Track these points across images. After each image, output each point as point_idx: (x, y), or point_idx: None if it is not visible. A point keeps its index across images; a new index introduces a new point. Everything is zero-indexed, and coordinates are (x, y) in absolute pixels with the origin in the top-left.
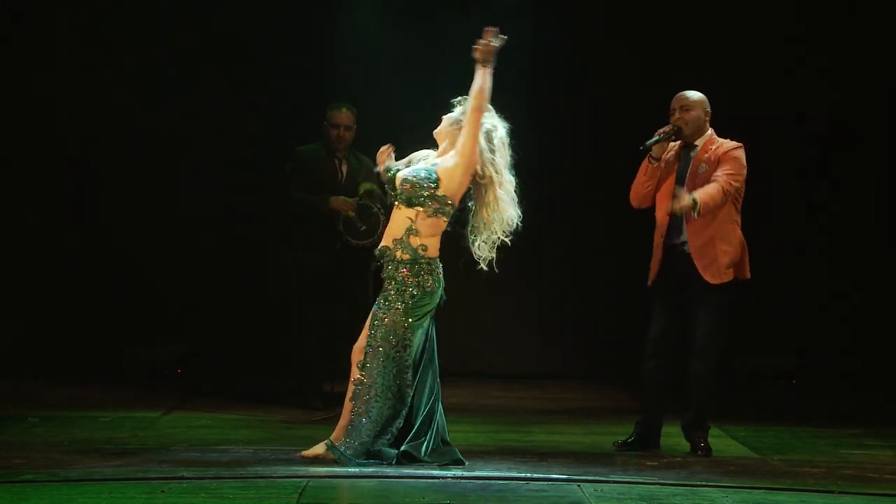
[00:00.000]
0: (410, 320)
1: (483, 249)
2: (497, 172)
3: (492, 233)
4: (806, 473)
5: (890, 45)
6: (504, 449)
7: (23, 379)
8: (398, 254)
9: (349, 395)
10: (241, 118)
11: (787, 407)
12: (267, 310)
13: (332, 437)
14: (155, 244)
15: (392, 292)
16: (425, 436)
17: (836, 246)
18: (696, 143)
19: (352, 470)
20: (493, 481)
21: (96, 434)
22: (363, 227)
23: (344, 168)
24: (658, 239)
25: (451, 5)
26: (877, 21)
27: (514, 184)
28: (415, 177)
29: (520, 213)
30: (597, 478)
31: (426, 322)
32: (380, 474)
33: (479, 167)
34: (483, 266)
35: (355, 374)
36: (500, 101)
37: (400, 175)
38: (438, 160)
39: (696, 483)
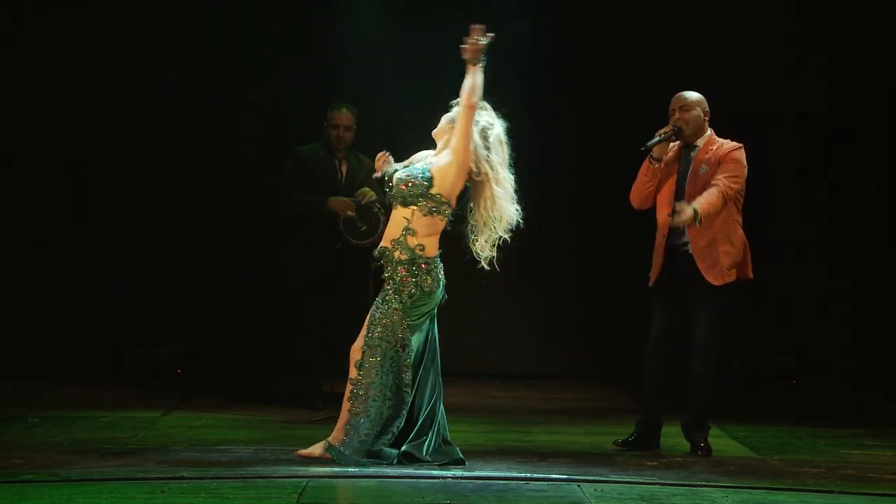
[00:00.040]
0: (409, 320)
1: (484, 248)
2: (493, 169)
3: (491, 231)
4: (806, 473)
5: (890, 45)
6: (504, 449)
7: (23, 379)
8: (396, 254)
9: (347, 394)
10: (241, 118)
11: (787, 407)
12: (267, 310)
13: (330, 438)
14: (155, 244)
15: (390, 292)
16: (427, 435)
17: (836, 246)
18: (697, 143)
19: (352, 470)
20: (493, 481)
21: (96, 434)
22: (363, 227)
23: (344, 168)
24: (660, 239)
25: (451, 5)
26: (877, 21)
27: (511, 181)
28: (409, 176)
29: (519, 210)
30: (597, 478)
31: (426, 322)
32: (380, 474)
33: (473, 164)
34: (484, 265)
35: (353, 373)
36: (501, 101)
37: (396, 175)
38: (433, 159)
39: (696, 483)
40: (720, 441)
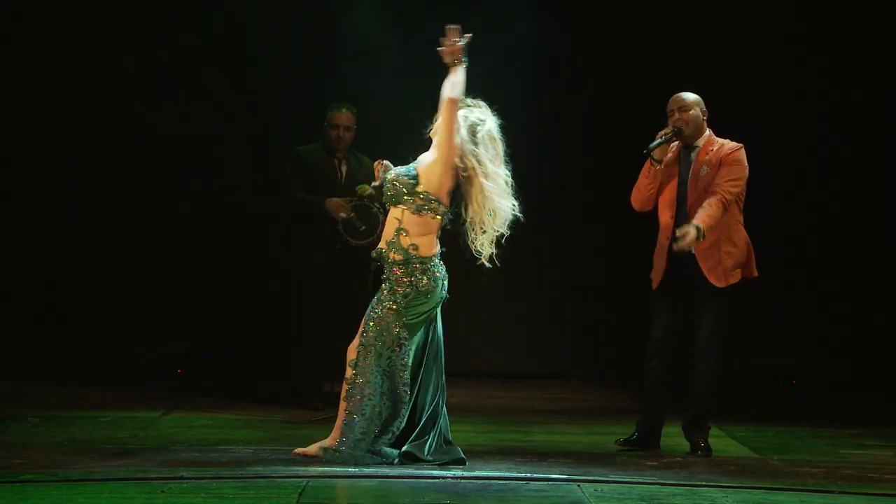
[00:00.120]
0: (405, 319)
1: (483, 245)
2: (480, 164)
3: (488, 227)
4: (806, 473)
5: (890, 45)
6: (504, 449)
7: (23, 379)
8: (391, 255)
9: (343, 394)
10: (241, 118)
11: (787, 407)
12: (267, 310)
13: (328, 440)
14: (155, 244)
15: (385, 292)
16: (429, 435)
17: (836, 246)
18: (696, 143)
19: (352, 470)
20: (493, 481)
21: (96, 434)
22: (363, 227)
23: (343, 168)
24: (663, 241)
25: (451, 5)
26: (877, 21)
27: (502, 175)
28: (396, 175)
29: (515, 205)
30: (597, 478)
31: (426, 321)
32: (380, 474)
33: (458, 160)
34: (484, 261)
35: (348, 373)
36: (501, 100)
37: (387, 175)
38: (421, 157)
39: (696, 483)
40: (720, 441)
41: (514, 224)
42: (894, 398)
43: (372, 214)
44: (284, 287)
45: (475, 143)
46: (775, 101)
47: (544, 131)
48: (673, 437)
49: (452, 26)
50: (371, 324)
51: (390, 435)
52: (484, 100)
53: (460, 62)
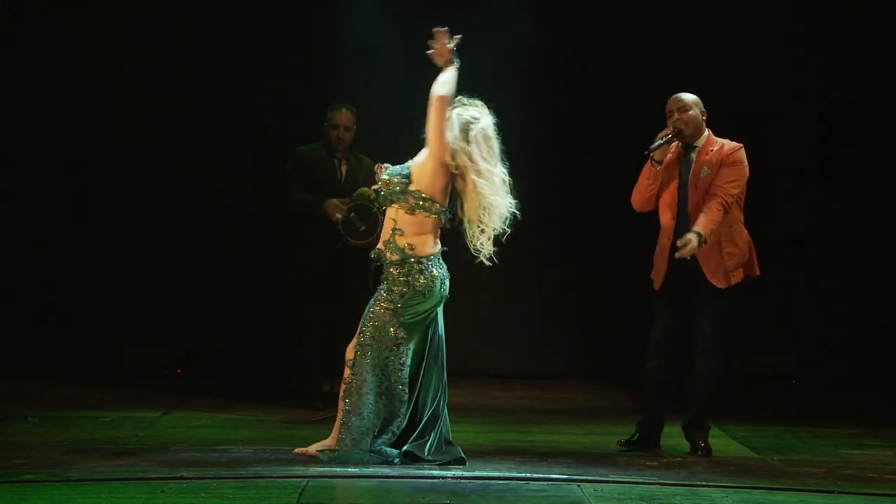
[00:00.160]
0: (403, 319)
1: (482, 243)
2: (472, 162)
3: (484, 224)
4: (806, 473)
5: (890, 45)
6: (504, 449)
7: (23, 379)
8: (388, 255)
9: (341, 394)
10: (241, 118)
11: (787, 407)
12: (267, 310)
13: (329, 439)
14: (154, 244)
15: (382, 292)
16: (430, 436)
17: (836, 246)
18: (696, 143)
19: (352, 470)
20: (493, 481)
21: (96, 434)
22: (362, 227)
23: (343, 168)
24: (665, 242)
25: (451, 5)
26: (877, 21)
27: (497, 174)
28: (390, 174)
29: (511, 202)
30: (597, 478)
31: (425, 321)
32: (380, 474)
33: (449, 158)
34: (483, 259)
35: (346, 373)
36: (501, 100)
37: (382, 177)
38: (416, 157)
39: (696, 483)
40: (720, 441)
41: (515, 222)
42: (894, 398)
43: (372, 214)
44: (284, 287)
45: (467, 141)
46: (775, 101)
47: (544, 131)
48: (673, 437)
49: (440, 28)
50: (368, 324)
51: (390, 434)
52: (484, 100)
53: (452, 63)
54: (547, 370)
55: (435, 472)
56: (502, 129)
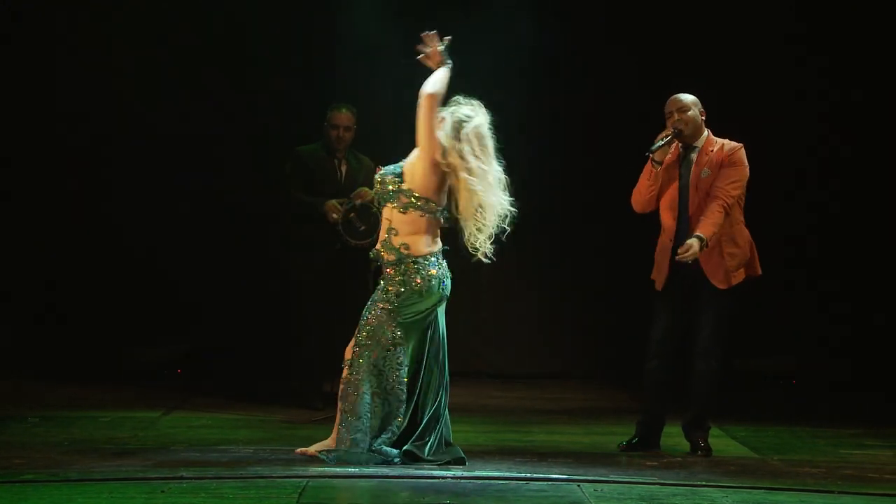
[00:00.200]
0: (400, 319)
1: (479, 241)
2: (463, 160)
3: (480, 222)
4: (806, 473)
5: (890, 45)
6: (504, 449)
7: (23, 379)
8: (385, 255)
9: (339, 394)
10: (241, 118)
11: (787, 407)
12: (267, 310)
13: (329, 440)
14: (155, 244)
15: (379, 292)
16: (430, 436)
17: (836, 246)
18: (696, 144)
19: (352, 470)
20: (493, 481)
21: (96, 434)
22: (362, 227)
23: (343, 168)
24: (667, 243)
25: (451, 5)
26: (877, 21)
27: (491, 172)
28: (383, 174)
29: (506, 201)
30: (597, 478)
31: (424, 320)
32: (380, 474)
33: (440, 156)
34: (480, 258)
35: (345, 373)
36: (501, 100)
37: (376, 177)
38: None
39: (696, 483)
40: (720, 441)
41: (514, 221)
42: (894, 398)
43: (372, 214)
44: (284, 287)
45: (458, 139)
46: (775, 101)
47: (544, 131)
48: (673, 437)
49: (429, 33)
50: (365, 324)
51: (390, 434)
52: (484, 100)
53: (445, 64)
54: (547, 370)
55: (435, 472)
56: (503, 128)
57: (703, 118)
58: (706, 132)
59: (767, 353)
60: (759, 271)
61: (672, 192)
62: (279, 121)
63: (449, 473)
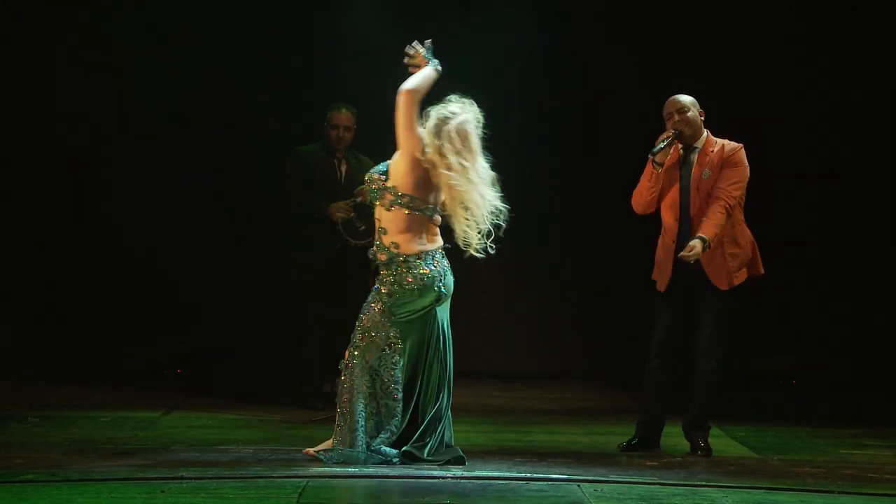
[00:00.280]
0: (394, 318)
1: (469, 237)
2: (442, 156)
3: (468, 219)
4: (806, 473)
5: (890, 45)
6: (504, 449)
7: (23, 379)
8: (378, 255)
9: (337, 395)
10: (241, 118)
11: (787, 407)
12: (267, 310)
13: (328, 440)
14: (155, 244)
15: (374, 292)
16: (430, 438)
17: (836, 246)
18: (696, 144)
19: (351, 470)
20: (493, 481)
21: (96, 434)
22: (362, 227)
23: (343, 168)
24: (669, 244)
25: (451, 5)
26: (877, 21)
27: (474, 169)
28: (371, 172)
29: (493, 196)
30: (597, 478)
31: (422, 320)
32: (379, 474)
33: (419, 152)
34: (473, 253)
35: (341, 373)
36: (501, 100)
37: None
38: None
39: (696, 483)
40: (720, 441)
41: (508, 218)
42: (894, 398)
43: (371, 214)
44: (284, 287)
45: (438, 136)
46: (775, 101)
47: (544, 131)
48: (673, 437)
49: (408, 47)
50: (359, 325)
51: (388, 434)
52: (484, 100)
53: (429, 64)
54: (547, 370)
55: (435, 472)
56: (502, 129)
57: (702, 118)
58: (705, 133)
59: (767, 353)
60: (762, 270)
61: (673, 194)
62: (279, 121)
63: (449, 473)
